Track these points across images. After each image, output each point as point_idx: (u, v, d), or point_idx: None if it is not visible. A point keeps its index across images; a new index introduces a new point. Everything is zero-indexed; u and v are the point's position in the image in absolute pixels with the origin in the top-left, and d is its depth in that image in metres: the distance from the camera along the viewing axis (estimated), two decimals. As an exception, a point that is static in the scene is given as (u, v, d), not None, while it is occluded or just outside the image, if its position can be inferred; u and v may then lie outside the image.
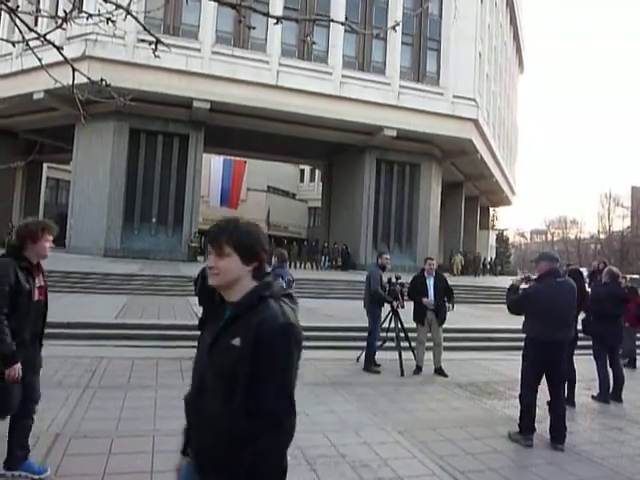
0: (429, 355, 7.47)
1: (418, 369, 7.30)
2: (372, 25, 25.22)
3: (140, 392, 5.42)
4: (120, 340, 8.30)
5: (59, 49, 2.61)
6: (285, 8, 23.29)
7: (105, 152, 23.19)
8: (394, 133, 24.84)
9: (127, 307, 11.33)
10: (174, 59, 20.90)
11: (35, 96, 22.04)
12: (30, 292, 3.30)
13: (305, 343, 6.13)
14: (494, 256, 43.85)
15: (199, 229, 25.08)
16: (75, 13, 2.56)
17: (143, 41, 17.35)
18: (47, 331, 8.19)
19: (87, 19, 2.45)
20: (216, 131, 24.61)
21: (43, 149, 31.26)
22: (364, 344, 7.61)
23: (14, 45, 2.63)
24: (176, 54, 21.14)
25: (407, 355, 7.32)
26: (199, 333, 5.82)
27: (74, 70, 2.62)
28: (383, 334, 7.59)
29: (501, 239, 57.89)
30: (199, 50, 21.92)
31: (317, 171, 47.18)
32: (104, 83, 2.67)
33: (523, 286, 5.03)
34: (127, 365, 6.53)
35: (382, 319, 7.52)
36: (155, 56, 2.61)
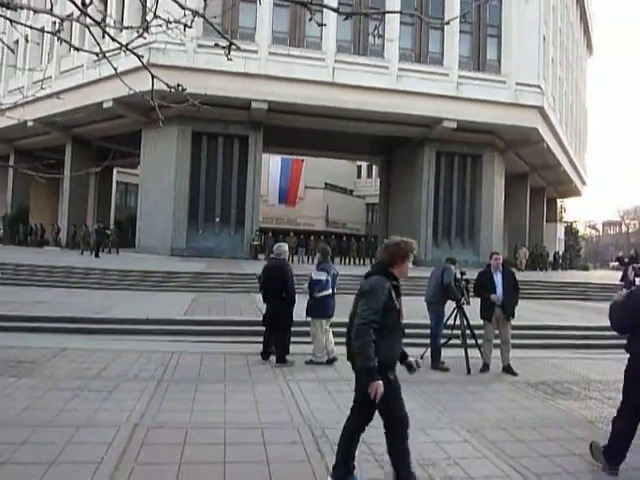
0: (496, 353, 7.23)
1: (485, 367, 7.08)
2: (428, 15, 24.66)
3: (210, 386, 5.62)
4: (189, 336, 8.65)
5: (139, 57, 2.76)
6: (340, 4, 23.25)
7: (169, 156, 24.17)
8: (454, 125, 24.21)
9: (195, 304, 11.78)
10: (232, 62, 21.30)
11: (105, 105, 23.35)
12: (399, 311, 3.34)
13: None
14: (563, 250, 41.71)
15: (260, 227, 25.63)
16: (154, 22, 2.68)
17: (202, 46, 17.91)
18: (126, 327, 8.66)
19: (166, 26, 2.55)
20: (274, 131, 24.99)
21: (113, 155, 33.03)
22: (427, 341, 7.48)
23: (98, 55, 2.79)
24: (234, 57, 21.60)
25: (473, 353, 7.12)
26: (263, 328, 5.94)
27: (153, 77, 2.75)
28: (447, 331, 7.43)
29: (570, 232, 55.00)
30: (256, 52, 22.31)
31: (374, 167, 46.83)
32: (180, 88, 2.77)
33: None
34: (196, 360, 6.78)
35: (446, 316, 7.37)
36: (228, 59, 2.70)
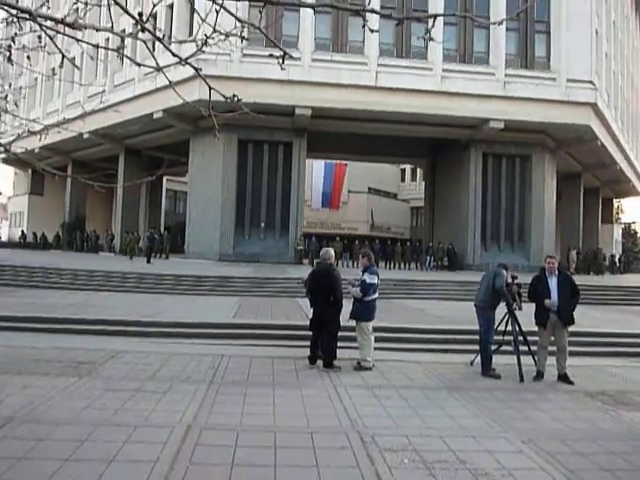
0: (550, 361, 6.97)
1: (539, 375, 6.83)
2: (474, 14, 24.17)
3: (259, 389, 5.70)
4: (238, 339, 8.81)
5: (197, 70, 2.85)
6: (382, 7, 23.19)
7: (216, 163, 24.77)
8: (501, 125, 23.61)
9: (242, 308, 11.99)
10: (276, 70, 21.51)
11: (155, 115, 24.25)
12: None
13: (414, 345, 6.13)
14: (620, 252, 39.72)
15: (303, 232, 25.82)
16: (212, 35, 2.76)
17: (247, 56, 18.26)
18: (177, 330, 8.91)
19: (225, 38, 2.64)
20: (318, 136, 25.17)
21: (162, 163, 34.21)
22: (476, 347, 7.31)
23: (159, 69, 2.91)
24: (277, 64, 22.01)
25: (526, 360, 6.88)
26: (310, 333, 6.02)
27: (210, 89, 2.84)
28: (498, 337, 7.23)
29: (628, 233, 52.34)
30: (299, 59, 22.55)
31: (418, 170, 46.29)
32: (236, 98, 2.85)
33: None
34: (245, 363, 6.90)
35: (496, 321, 7.17)
36: (282, 68, 2.75)
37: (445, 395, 5.86)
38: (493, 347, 7.11)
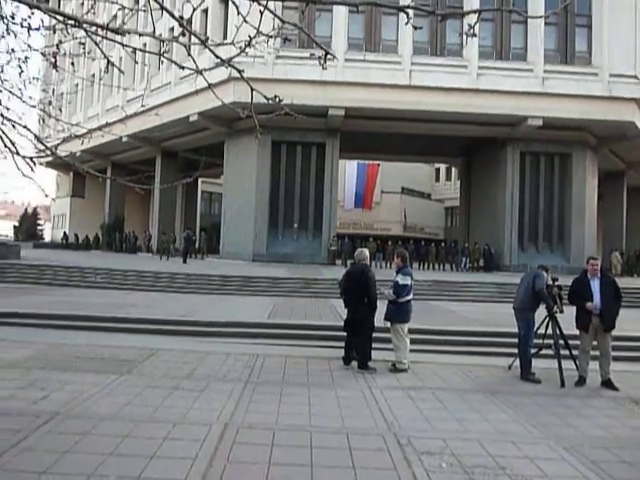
0: (593, 365, 6.74)
1: (581, 380, 6.61)
2: (510, 8, 23.61)
3: (294, 389, 5.72)
4: (272, 339, 8.88)
5: (240, 72, 2.90)
6: (416, 15, 22.98)
7: (250, 165, 25.05)
8: (540, 122, 22.99)
9: (276, 308, 12.08)
10: (309, 71, 21.88)
11: (191, 118, 24.74)
12: None
13: (450, 348, 6.04)
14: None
15: (337, 233, 25.82)
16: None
17: (280, 57, 18.43)
18: (214, 329, 9.07)
19: (267, 40, 2.67)
20: (351, 137, 25.12)
21: (198, 165, 34.89)
22: (514, 350, 7.14)
23: (200, 72, 2.96)
24: (311, 66, 22.13)
25: (567, 365, 6.67)
26: (344, 334, 6.02)
27: (252, 90, 2.88)
28: (538, 341, 7.03)
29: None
30: (332, 59, 22.48)
31: (453, 169, 45.60)
32: (277, 99, 2.88)
33: None
34: (280, 362, 6.95)
35: (536, 324, 6.98)
36: (323, 68, 2.77)
37: (482, 398, 5.75)
38: (533, 351, 6.93)
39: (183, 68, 3.10)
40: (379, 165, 42.49)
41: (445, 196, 48.42)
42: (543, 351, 7.06)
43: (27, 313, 9.98)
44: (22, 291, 13.84)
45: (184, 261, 23.00)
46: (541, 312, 6.91)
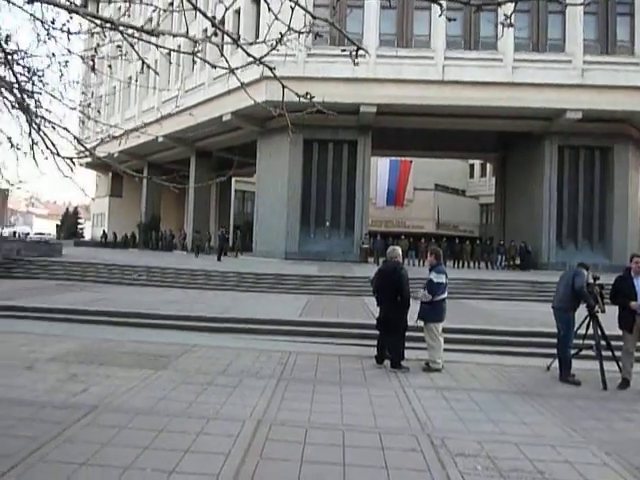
0: (637, 367, 6.48)
1: (625, 383, 6.35)
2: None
3: (326, 387, 5.72)
4: (305, 336, 8.90)
5: (272, 69, 2.91)
6: (449, 8, 22.60)
7: (282, 163, 25.19)
8: (579, 115, 22.26)
9: (309, 306, 12.11)
10: (341, 68, 21.81)
11: (224, 118, 25.06)
12: None
13: (485, 347, 5.89)
14: None
15: (368, 230, 25.69)
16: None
17: (311, 55, 18.41)
18: (247, 326, 9.14)
19: (298, 37, 2.67)
20: (383, 133, 24.94)
21: (232, 165, 35.36)
22: (553, 351, 6.93)
23: (239, 69, 2.99)
24: (342, 63, 22.06)
25: (609, 366, 6.43)
26: (377, 332, 5.96)
27: (284, 88, 2.89)
28: (578, 341, 6.81)
29: None
30: (364, 55, 22.31)
31: (488, 165, 44.66)
32: (309, 96, 2.88)
33: None
34: (313, 360, 6.95)
35: (576, 324, 6.75)
36: (355, 64, 2.75)
37: (519, 400, 5.60)
38: (572, 351, 6.70)
39: (215, 67, 3.13)
40: (412, 162, 42.00)
41: (480, 192, 47.49)
42: (583, 352, 6.83)
43: (68, 309, 10.33)
44: (63, 288, 14.33)
45: (218, 259, 23.35)
46: (581, 311, 6.68)
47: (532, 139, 25.43)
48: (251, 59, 2.92)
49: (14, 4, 2.86)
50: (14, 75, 3.11)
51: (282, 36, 2.59)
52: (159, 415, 4.50)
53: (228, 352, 7.25)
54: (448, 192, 46.70)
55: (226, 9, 4.22)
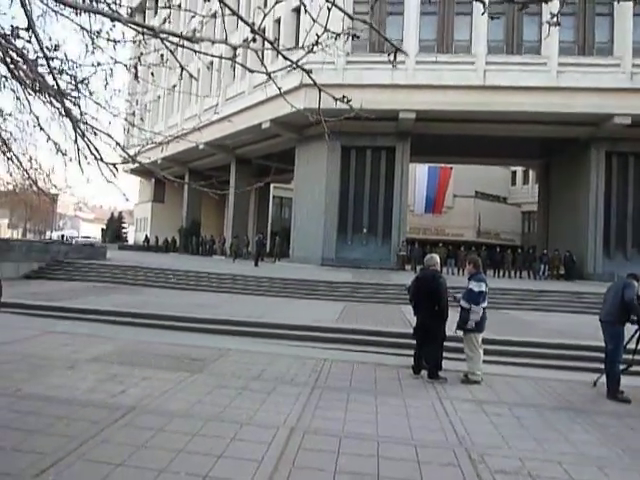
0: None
1: (679, 401, 5.99)
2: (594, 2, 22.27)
3: (361, 396, 5.62)
4: (340, 344, 8.83)
5: (308, 73, 2.91)
6: (491, 3, 22.17)
7: (320, 170, 25.27)
8: (627, 120, 21.34)
9: (344, 313, 12.03)
10: (380, 75, 21.75)
11: (263, 125, 25.39)
12: None
13: (526, 360, 5.66)
14: None
15: (406, 238, 25.40)
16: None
17: (350, 62, 18.44)
18: (282, 332, 9.14)
19: (336, 38, 2.66)
20: (421, 140, 24.66)
21: (270, 171, 35.76)
22: (600, 366, 6.61)
23: (277, 77, 3.01)
24: (381, 70, 21.98)
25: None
26: (414, 341, 5.81)
27: (320, 91, 2.88)
28: (628, 356, 6.46)
29: None
30: (403, 62, 22.28)
31: (531, 172, 43.51)
32: (345, 100, 2.86)
33: None
34: (348, 368, 6.87)
35: (625, 339, 6.41)
36: (393, 66, 2.70)
37: (563, 417, 5.35)
38: (621, 367, 6.37)
39: (252, 71, 3.14)
40: (451, 168, 41.38)
41: (522, 200, 46.26)
42: (633, 367, 6.49)
43: (109, 310, 10.63)
44: (106, 289, 14.77)
45: (256, 264, 23.57)
46: (632, 325, 6.35)
47: (578, 145, 24.60)
48: (288, 63, 2.92)
49: (62, 14, 2.97)
50: (56, 82, 3.21)
51: (318, 37, 2.57)
52: (194, 418, 4.53)
53: (262, 357, 7.26)
54: (489, 199, 45.70)
55: (264, 15, 4.24)
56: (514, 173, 48.73)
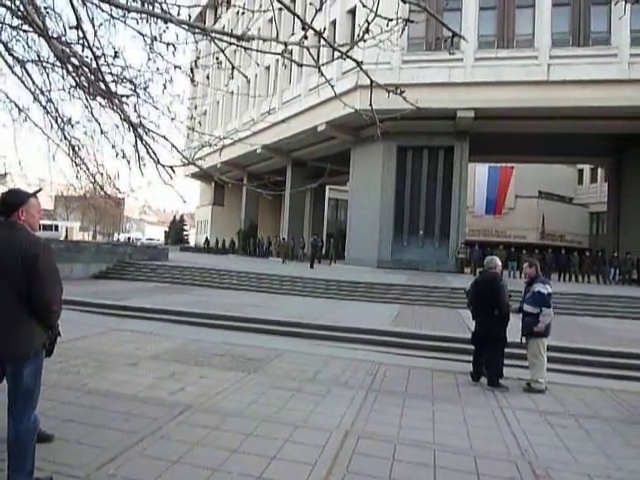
0: None
1: None
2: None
3: (417, 402, 5.47)
4: (395, 347, 8.67)
5: (358, 63, 2.87)
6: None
7: (376, 171, 25.07)
8: None
9: (400, 316, 11.83)
10: (437, 73, 21.32)
11: (319, 128, 25.52)
12: None
13: (596, 370, 5.30)
14: None
15: (466, 240, 24.70)
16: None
17: (406, 62, 18.21)
18: (336, 334, 9.09)
19: (387, 23, 2.59)
20: (481, 139, 23.90)
21: (327, 172, 35.87)
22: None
23: (318, 69, 2.99)
24: (438, 68, 21.54)
25: None
26: (472, 347, 5.56)
27: (372, 83, 2.81)
28: None
29: None
30: (461, 60, 21.71)
31: (599, 170, 41.16)
32: (399, 91, 2.79)
33: None
34: (404, 373, 6.72)
35: None
36: (451, 53, 2.62)
37: (637, 431, 4.96)
38: None
39: (301, 65, 3.13)
40: (513, 168, 39.87)
41: (590, 200, 43.84)
42: None
43: (169, 310, 10.99)
44: (167, 289, 15.32)
45: (311, 266, 23.69)
46: None
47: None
48: (342, 61, 2.87)
49: (117, 18, 3.08)
50: (106, 86, 3.32)
51: (369, 24, 2.51)
52: (249, 419, 4.56)
53: (317, 359, 7.24)
54: (554, 199, 43.63)
55: (316, 11, 4.20)
56: (581, 172, 46.30)
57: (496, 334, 6.34)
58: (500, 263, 6.88)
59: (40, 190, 3.09)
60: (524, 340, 6.38)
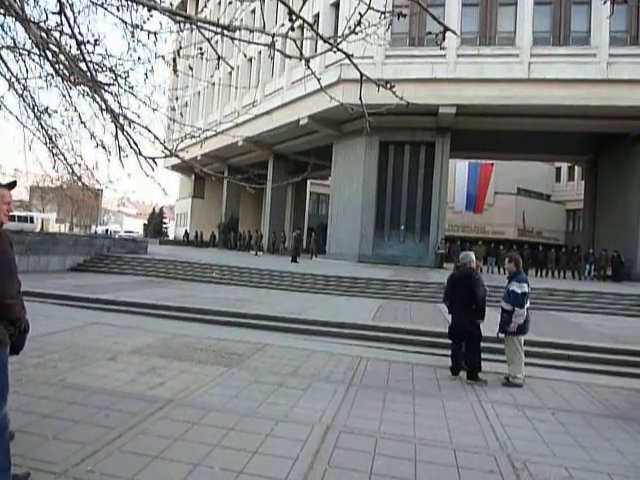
0: None
1: None
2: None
3: (398, 396, 5.51)
4: (376, 342, 8.72)
5: (348, 56, 2.84)
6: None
7: (357, 166, 25.11)
8: (684, 114, 20.25)
9: (381, 311, 11.89)
10: (419, 69, 21.41)
11: (301, 122, 25.40)
12: None
13: (571, 364, 5.40)
14: None
15: (445, 235, 24.94)
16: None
17: (389, 57, 18.22)
18: (318, 328, 9.09)
19: (381, 15, 2.56)
20: (462, 135, 24.13)
21: (310, 167, 35.83)
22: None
23: (306, 61, 2.94)
24: (420, 64, 21.62)
25: None
26: (450, 342, 5.61)
27: (362, 75, 2.78)
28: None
29: None
30: (444, 56, 21.82)
31: (577, 168, 41.95)
32: (389, 85, 2.77)
33: None
34: (384, 367, 6.76)
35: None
36: (441, 47, 2.58)
37: (613, 425, 5.08)
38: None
39: (290, 57, 3.09)
40: (493, 164, 40.39)
41: (567, 197, 44.72)
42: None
43: (149, 304, 10.86)
44: (147, 283, 15.13)
45: (293, 260, 23.65)
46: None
47: (628, 140, 23.57)
48: (327, 51, 2.84)
49: (99, 5, 2.99)
50: (91, 74, 3.23)
51: (361, 16, 2.48)
52: (230, 413, 4.53)
53: (299, 353, 7.24)
54: (531, 197, 44.37)
55: (304, 1, 4.16)
56: (559, 169, 47.14)
57: (472, 329, 6.40)
58: (475, 258, 6.91)
59: (14, 183, 2.97)
60: (501, 336, 6.46)
